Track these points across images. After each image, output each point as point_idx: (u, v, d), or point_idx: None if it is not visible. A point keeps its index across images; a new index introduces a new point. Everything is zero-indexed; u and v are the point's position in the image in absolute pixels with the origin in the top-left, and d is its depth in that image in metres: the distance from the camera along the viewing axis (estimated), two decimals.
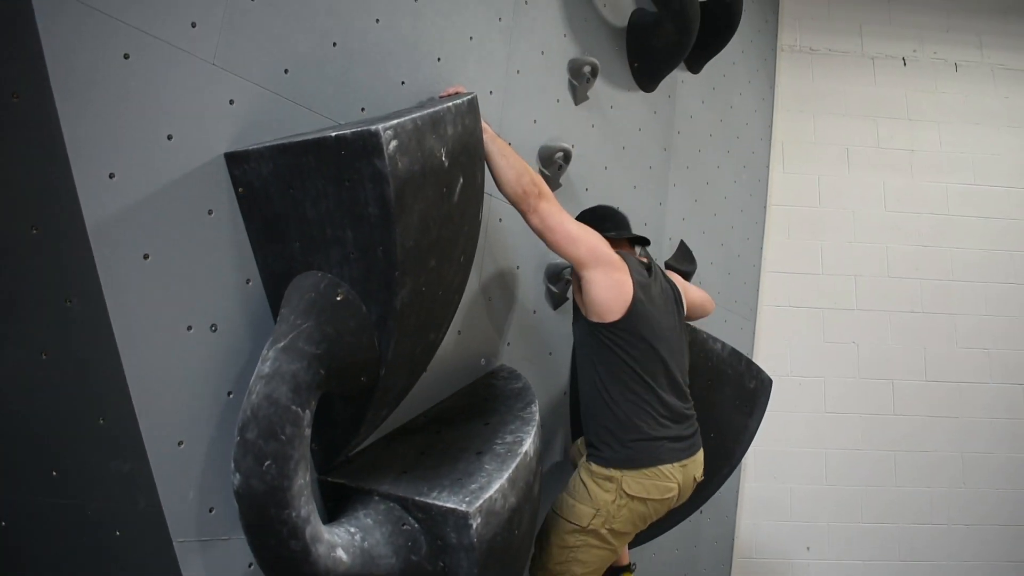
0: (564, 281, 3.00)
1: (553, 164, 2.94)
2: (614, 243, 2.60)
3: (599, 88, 3.27)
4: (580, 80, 3.13)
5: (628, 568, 2.95)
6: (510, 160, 2.36)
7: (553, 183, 2.98)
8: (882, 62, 5.78)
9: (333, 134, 1.73)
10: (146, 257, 1.73)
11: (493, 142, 2.34)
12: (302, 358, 1.76)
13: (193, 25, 1.84)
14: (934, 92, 5.78)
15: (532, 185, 2.37)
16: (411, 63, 2.41)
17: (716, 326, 3.91)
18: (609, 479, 2.47)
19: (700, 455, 2.62)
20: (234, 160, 1.90)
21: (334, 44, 2.18)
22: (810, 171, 5.41)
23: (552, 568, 2.55)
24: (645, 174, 3.67)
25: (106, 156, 1.66)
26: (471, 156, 2.03)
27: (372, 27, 2.29)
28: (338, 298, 1.83)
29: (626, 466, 2.47)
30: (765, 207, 5.14)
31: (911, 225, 5.44)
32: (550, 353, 3.02)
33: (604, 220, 2.74)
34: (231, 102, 1.92)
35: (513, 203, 2.42)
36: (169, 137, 1.79)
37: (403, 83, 2.37)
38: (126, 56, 1.71)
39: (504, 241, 2.78)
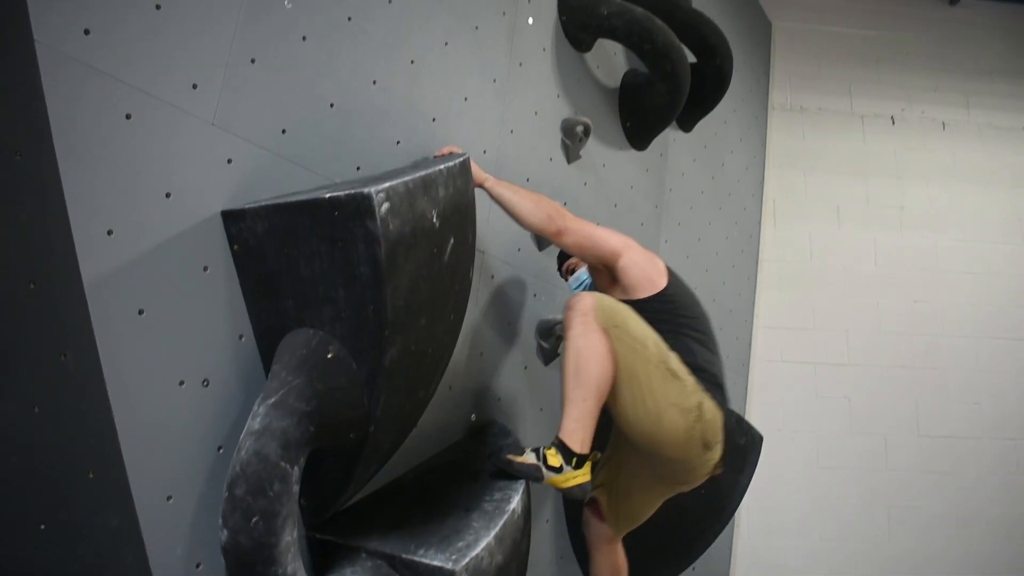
0: (555, 337, 3.02)
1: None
2: None
3: (592, 147, 3.34)
4: (573, 139, 3.19)
5: None
6: (522, 195, 2.48)
7: (545, 241, 3.03)
8: (871, 121, 5.89)
9: (327, 195, 1.77)
10: (141, 312, 1.75)
11: (499, 186, 2.45)
12: (292, 415, 1.77)
13: (194, 87, 1.89)
14: (923, 150, 5.87)
15: (552, 208, 2.49)
16: (407, 123, 2.47)
17: None
18: (696, 392, 2.37)
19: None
20: (230, 218, 1.93)
21: (331, 105, 2.23)
22: (801, 227, 5.47)
23: (618, 321, 2.34)
24: (637, 231, 3.72)
25: (105, 213, 1.69)
26: (462, 216, 2.07)
27: (369, 88, 2.35)
28: (329, 355, 1.85)
29: (708, 393, 2.40)
30: (757, 263, 5.19)
31: (902, 281, 5.49)
32: (540, 409, 3.04)
33: None
34: (229, 161, 1.96)
35: (540, 231, 2.52)
36: (167, 195, 1.82)
37: (398, 142, 2.43)
38: (128, 116, 1.75)
39: (496, 298, 2.81)
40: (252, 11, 2.02)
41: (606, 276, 2.61)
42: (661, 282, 2.53)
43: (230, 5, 1.97)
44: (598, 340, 2.29)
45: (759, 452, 3.27)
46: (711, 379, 2.45)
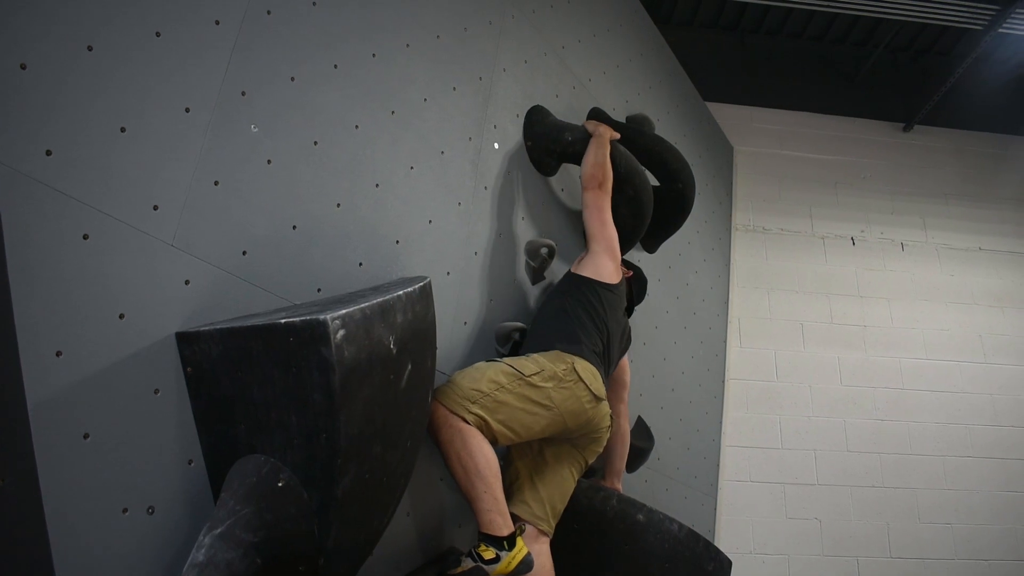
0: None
1: (509, 342, 2.98)
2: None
3: (556, 268, 3.37)
4: (537, 261, 3.22)
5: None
6: (598, 155, 3.18)
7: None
8: (832, 241, 6.04)
9: (283, 321, 1.75)
10: (86, 436, 1.70)
11: (596, 140, 3.23)
12: (238, 546, 1.70)
13: (155, 208, 1.89)
14: (883, 270, 6.01)
15: (603, 177, 3.16)
16: (370, 245, 2.48)
17: (677, 503, 3.88)
18: (563, 360, 2.67)
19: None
20: (185, 340, 1.90)
21: (294, 227, 2.24)
22: (766, 346, 5.52)
23: (465, 386, 2.48)
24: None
25: (55, 334, 1.66)
26: (421, 342, 2.06)
27: (332, 211, 2.36)
28: (280, 484, 1.79)
29: (578, 354, 2.72)
30: (724, 381, 5.20)
31: (867, 399, 5.53)
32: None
33: (638, 283, 3.43)
34: (187, 282, 1.95)
35: (582, 179, 3.20)
36: (121, 316, 1.79)
37: (361, 264, 2.43)
38: (85, 236, 1.74)
39: None
40: (218, 133, 2.05)
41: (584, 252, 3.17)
42: (606, 279, 3.03)
43: (196, 127, 2.00)
44: (466, 435, 2.40)
45: None
46: (596, 352, 2.83)
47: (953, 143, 6.65)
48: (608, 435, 2.84)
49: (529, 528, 2.65)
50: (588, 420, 2.68)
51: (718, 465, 4.94)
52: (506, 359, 2.65)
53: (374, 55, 2.59)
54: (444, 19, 2.94)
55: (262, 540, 1.73)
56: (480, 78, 3.10)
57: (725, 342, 5.29)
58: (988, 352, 5.82)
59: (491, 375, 2.53)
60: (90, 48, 1.78)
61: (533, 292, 3.28)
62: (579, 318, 2.87)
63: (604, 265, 3.05)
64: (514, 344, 3.00)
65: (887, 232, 6.19)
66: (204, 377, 1.90)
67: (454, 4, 3.00)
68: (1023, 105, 6.77)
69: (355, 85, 2.50)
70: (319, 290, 2.28)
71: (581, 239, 3.65)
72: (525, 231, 3.25)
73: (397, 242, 2.59)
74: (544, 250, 3.21)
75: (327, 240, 2.34)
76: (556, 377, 2.60)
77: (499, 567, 2.32)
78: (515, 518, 2.59)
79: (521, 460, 2.80)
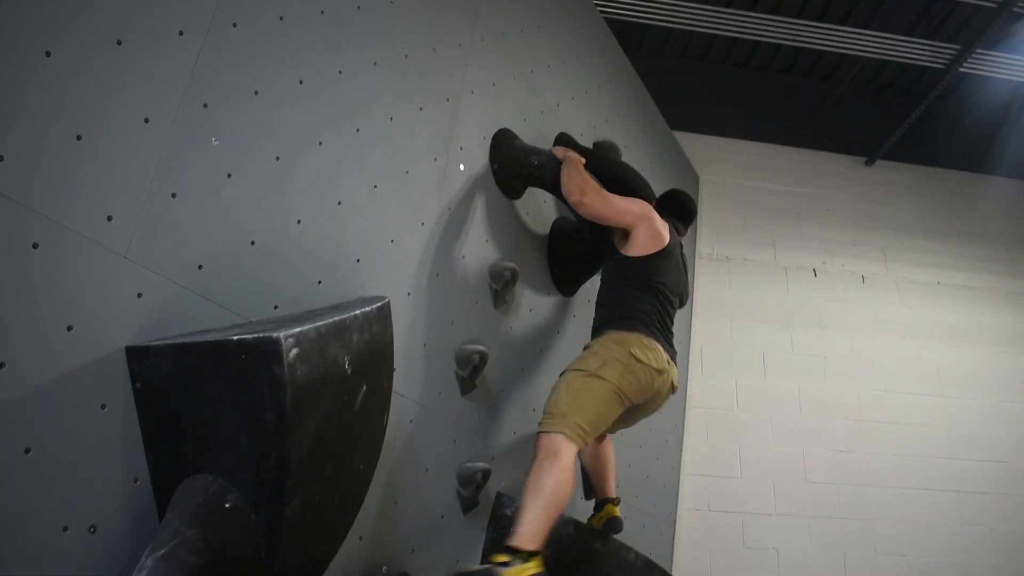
0: (475, 486, 2.94)
1: (469, 365, 2.96)
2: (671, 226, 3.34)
3: (519, 292, 3.36)
4: (500, 284, 3.20)
5: (613, 501, 3.16)
6: (567, 172, 3.24)
7: (468, 385, 3.00)
8: (794, 272, 6.10)
9: (235, 337, 1.72)
10: (27, 451, 1.64)
11: (567, 163, 3.26)
12: (182, 569, 1.65)
13: (109, 219, 1.85)
14: (844, 302, 6.08)
15: (577, 185, 3.19)
16: (330, 263, 2.45)
17: (635, 531, 3.85)
18: (620, 342, 2.94)
19: (676, 371, 3.13)
20: (135, 354, 1.86)
21: (252, 242, 2.20)
22: (728, 374, 5.55)
23: (559, 411, 2.77)
24: None
25: None
26: (378, 362, 2.03)
27: (293, 227, 2.33)
28: (227, 505, 1.75)
29: (634, 329, 2.99)
30: (684, 409, 5.21)
31: (826, 430, 5.56)
32: (457, 561, 2.91)
33: (679, 211, 3.53)
34: (139, 295, 1.90)
35: (566, 200, 3.25)
36: (69, 328, 1.74)
37: (320, 282, 2.40)
38: (35, 245, 1.70)
39: (413, 443, 2.73)
40: (177, 146, 2.01)
41: (619, 232, 3.28)
42: (649, 251, 3.15)
43: (155, 139, 1.96)
44: (556, 458, 2.65)
45: None
46: (649, 323, 3.05)
47: (914, 178, 6.78)
48: (668, 398, 3.15)
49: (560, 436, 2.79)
50: (656, 393, 3.00)
51: (677, 493, 4.93)
52: (573, 364, 2.97)
53: (340, 72, 2.57)
54: (413, 39, 2.93)
55: (207, 563, 1.69)
56: (448, 99, 3.10)
57: (687, 370, 5.30)
58: (945, 385, 5.90)
59: (563, 389, 2.86)
60: (48, 54, 1.74)
61: (495, 315, 3.26)
62: (636, 293, 3.10)
63: (645, 239, 3.17)
64: (473, 367, 2.97)
65: (848, 264, 6.27)
66: (153, 393, 1.85)
67: (423, 24, 3.00)
68: (983, 143, 6.93)
69: (320, 101, 2.48)
70: (276, 307, 2.25)
71: (544, 262, 3.65)
72: (489, 254, 3.24)
73: (358, 261, 2.57)
74: (507, 273, 3.20)
75: (286, 257, 2.30)
76: (624, 370, 2.87)
77: (511, 571, 2.39)
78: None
79: None
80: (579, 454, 2.94)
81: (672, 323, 3.23)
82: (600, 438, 3.20)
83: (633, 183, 3.83)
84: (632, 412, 3.05)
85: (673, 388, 3.11)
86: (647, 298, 3.09)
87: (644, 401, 2.99)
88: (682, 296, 3.35)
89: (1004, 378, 6.02)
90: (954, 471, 5.59)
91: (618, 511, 3.14)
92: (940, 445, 5.67)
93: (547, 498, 2.54)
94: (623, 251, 3.20)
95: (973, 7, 5.70)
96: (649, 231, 3.17)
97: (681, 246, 3.42)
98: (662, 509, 4.64)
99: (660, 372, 2.96)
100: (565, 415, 2.75)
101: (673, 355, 3.11)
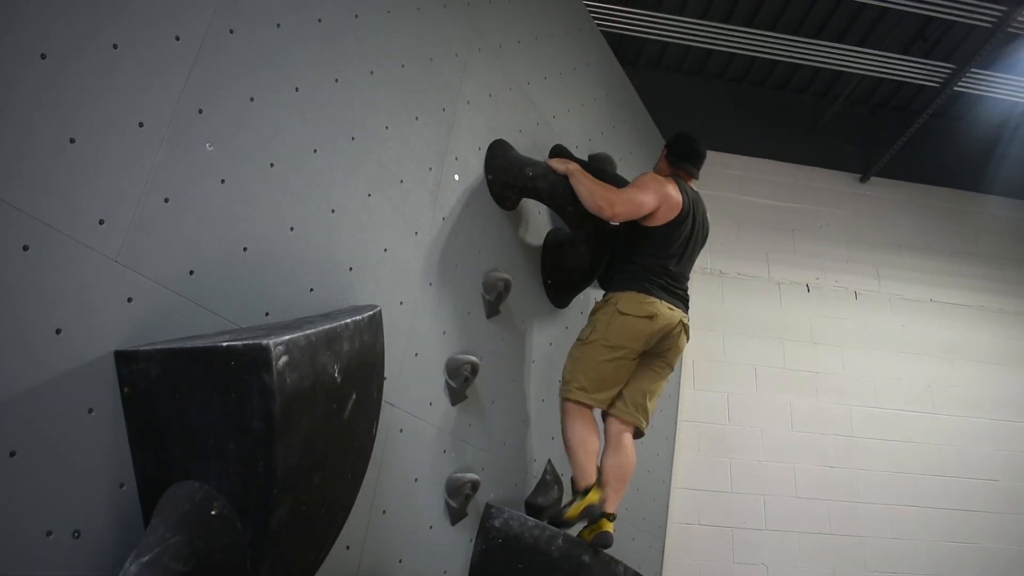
0: (463, 496, 2.93)
1: (460, 375, 2.95)
2: (683, 173, 3.61)
3: (512, 303, 3.36)
4: (492, 294, 3.20)
5: (609, 516, 3.21)
6: (588, 189, 3.31)
7: (458, 395, 2.99)
8: (787, 288, 6.10)
9: (224, 344, 1.71)
10: (12, 455, 1.63)
11: (577, 175, 3.35)
12: None
13: (101, 222, 1.84)
14: (836, 318, 6.08)
15: (602, 199, 3.29)
16: (322, 271, 2.44)
17: (624, 544, 3.84)
18: (608, 302, 3.36)
19: (685, 315, 3.42)
20: (123, 359, 1.85)
21: (245, 249, 2.20)
22: (719, 389, 5.55)
23: (565, 378, 3.33)
24: (556, 388, 3.70)
25: None
26: (368, 372, 2.02)
27: (286, 234, 2.33)
28: (213, 512, 1.74)
29: (621, 288, 3.36)
30: (676, 423, 5.20)
31: (817, 446, 5.56)
32: (444, 572, 2.90)
33: (688, 156, 3.66)
34: (130, 300, 1.89)
35: (601, 214, 3.33)
36: (58, 331, 1.74)
37: (312, 290, 2.39)
38: (25, 248, 1.69)
39: (402, 453, 2.72)
40: (171, 150, 2.01)
41: None
42: (669, 217, 3.38)
43: (149, 143, 1.96)
44: (569, 416, 3.26)
45: None
46: (643, 279, 3.35)
47: (908, 196, 6.80)
48: (682, 337, 3.40)
49: (616, 421, 3.37)
50: (652, 334, 3.28)
51: (667, 507, 4.92)
52: (577, 339, 3.43)
53: (337, 80, 2.57)
54: (409, 49, 2.94)
55: (192, 570, 1.67)
56: (443, 109, 3.10)
57: (679, 383, 5.30)
58: (936, 403, 5.90)
59: (568, 360, 3.38)
60: (43, 56, 1.74)
61: (487, 326, 3.26)
62: (636, 259, 3.40)
63: (660, 213, 3.37)
64: (464, 378, 2.97)
65: (841, 280, 6.28)
66: (141, 398, 1.84)
67: (420, 34, 3.01)
68: (977, 161, 6.96)
69: (316, 109, 2.48)
70: (267, 314, 2.24)
71: (537, 274, 3.65)
72: (482, 264, 3.24)
73: (351, 269, 2.56)
74: (500, 284, 3.20)
75: (278, 264, 2.30)
76: (608, 323, 3.28)
77: (571, 509, 3.10)
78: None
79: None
80: (603, 448, 3.35)
81: (686, 271, 3.54)
82: (622, 449, 3.36)
83: None
84: (651, 362, 3.39)
85: (683, 326, 3.38)
86: (647, 260, 3.37)
87: (651, 346, 3.32)
88: (696, 245, 3.59)
89: (996, 396, 6.03)
90: (945, 489, 5.59)
91: (611, 527, 3.14)
92: (931, 462, 5.67)
93: (577, 447, 3.18)
94: (646, 223, 3.42)
95: (968, 27, 5.74)
96: (667, 207, 3.38)
97: (696, 195, 3.60)
98: (652, 523, 4.63)
99: (650, 317, 3.26)
100: (568, 381, 3.29)
101: (677, 304, 3.38)
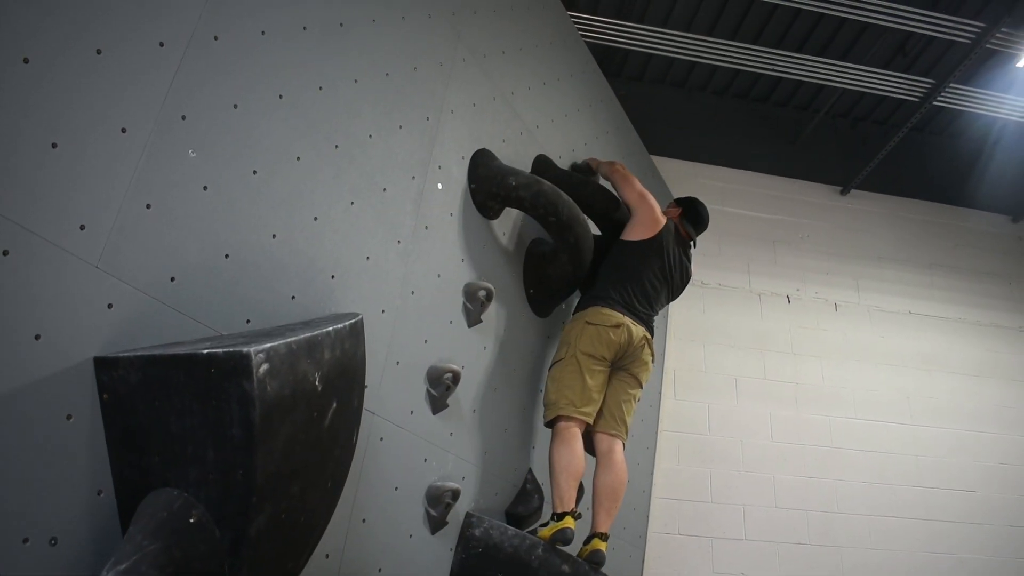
0: (444, 505, 2.92)
1: (441, 384, 2.95)
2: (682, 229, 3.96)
3: (493, 312, 3.36)
4: (475, 303, 3.21)
5: (601, 535, 3.29)
6: (629, 188, 3.88)
7: (440, 404, 2.99)
8: (768, 299, 6.14)
9: (205, 351, 1.71)
10: None
11: (612, 173, 3.98)
12: None
13: (82, 228, 1.83)
14: (816, 329, 6.13)
15: (640, 200, 3.83)
16: (304, 278, 2.44)
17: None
18: (578, 319, 3.58)
19: (648, 333, 3.64)
20: (103, 365, 1.84)
21: (226, 256, 2.19)
22: (700, 399, 5.57)
23: (551, 400, 3.41)
24: (536, 397, 3.71)
25: None
26: (349, 380, 2.02)
27: (268, 242, 2.32)
28: (191, 520, 1.73)
29: (589, 305, 3.58)
30: (656, 433, 5.21)
31: (797, 456, 5.59)
32: None
33: (694, 221, 4.04)
34: (110, 306, 1.88)
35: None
36: (37, 337, 1.72)
37: (293, 297, 2.39)
38: (5, 252, 1.68)
39: (383, 461, 2.72)
40: (153, 156, 2.00)
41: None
42: (646, 234, 3.73)
43: (131, 149, 1.95)
44: (557, 440, 3.32)
45: None
46: (610, 297, 3.58)
47: (888, 209, 6.87)
48: (646, 352, 3.61)
49: (605, 436, 3.50)
50: (621, 344, 3.48)
51: (647, 517, 4.93)
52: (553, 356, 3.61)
53: (321, 88, 2.57)
54: (394, 57, 2.94)
55: None
56: (427, 118, 3.11)
57: (660, 393, 5.31)
58: (915, 414, 5.96)
59: (549, 382, 3.49)
60: (26, 60, 1.74)
61: (469, 334, 3.26)
62: (608, 277, 3.65)
63: (634, 227, 3.76)
64: (446, 387, 2.97)
65: (822, 292, 6.33)
66: (121, 405, 1.83)
67: (404, 43, 3.01)
68: (956, 175, 7.04)
69: (299, 117, 2.48)
70: (248, 321, 2.23)
71: (519, 283, 3.66)
72: (464, 273, 3.24)
73: (333, 277, 2.56)
74: (482, 293, 3.21)
75: (260, 271, 2.29)
76: (579, 335, 3.46)
77: (544, 531, 3.11)
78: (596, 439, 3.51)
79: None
80: (595, 466, 3.46)
81: (652, 301, 3.72)
82: (614, 466, 3.43)
83: (609, 206, 3.86)
84: (621, 376, 3.57)
85: (646, 341, 3.60)
86: (620, 279, 3.62)
87: (619, 355, 3.51)
88: (673, 284, 3.84)
89: (973, 407, 6.09)
90: (923, 499, 5.63)
91: (604, 546, 3.21)
92: (909, 473, 5.71)
93: (560, 471, 3.21)
94: (621, 236, 3.76)
95: (947, 43, 5.82)
96: (649, 217, 3.76)
97: (684, 242, 3.96)
98: (631, 532, 4.63)
99: (616, 327, 3.47)
100: (555, 401, 3.37)
101: (641, 322, 3.59)
